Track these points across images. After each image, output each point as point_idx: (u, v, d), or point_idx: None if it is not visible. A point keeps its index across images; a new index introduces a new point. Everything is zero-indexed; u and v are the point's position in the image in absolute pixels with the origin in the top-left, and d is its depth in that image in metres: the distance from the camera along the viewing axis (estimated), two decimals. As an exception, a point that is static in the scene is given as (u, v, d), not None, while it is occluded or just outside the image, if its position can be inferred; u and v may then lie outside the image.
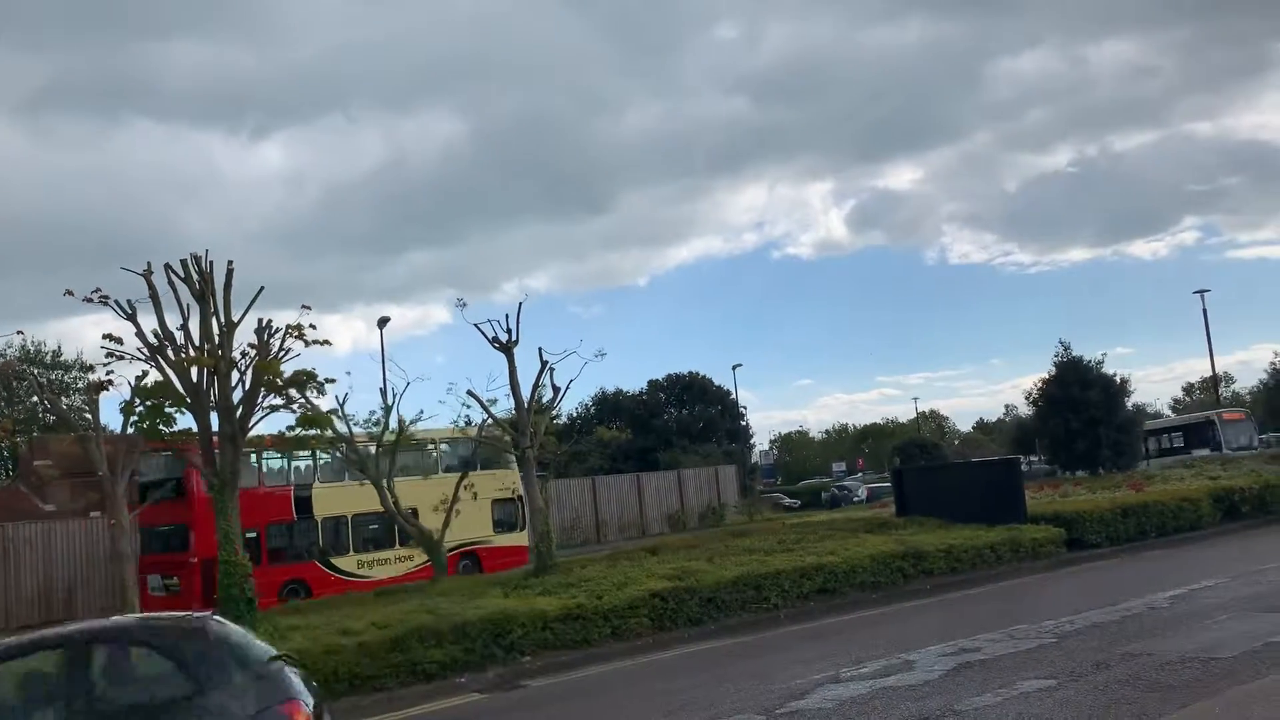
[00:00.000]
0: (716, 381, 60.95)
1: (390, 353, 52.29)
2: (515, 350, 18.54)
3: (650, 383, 60.91)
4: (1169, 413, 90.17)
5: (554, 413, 23.24)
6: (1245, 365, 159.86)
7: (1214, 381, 59.71)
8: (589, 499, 39.82)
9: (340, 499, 23.02)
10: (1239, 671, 8.62)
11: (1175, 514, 20.65)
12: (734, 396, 60.40)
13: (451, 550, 21.46)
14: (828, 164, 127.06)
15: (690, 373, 60.93)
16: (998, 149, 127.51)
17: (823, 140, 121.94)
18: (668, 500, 41.98)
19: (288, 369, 13.34)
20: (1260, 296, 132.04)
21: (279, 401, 13.51)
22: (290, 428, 13.88)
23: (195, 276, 12.87)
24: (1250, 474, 24.38)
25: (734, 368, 62.79)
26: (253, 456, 19.47)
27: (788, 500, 53.31)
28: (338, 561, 23.20)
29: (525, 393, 18.98)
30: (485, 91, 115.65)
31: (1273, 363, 58.18)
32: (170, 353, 12.77)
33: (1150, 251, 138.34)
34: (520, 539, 26.44)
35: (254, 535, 20.80)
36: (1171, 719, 7.28)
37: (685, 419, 58.79)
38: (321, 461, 23.51)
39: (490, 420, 20.94)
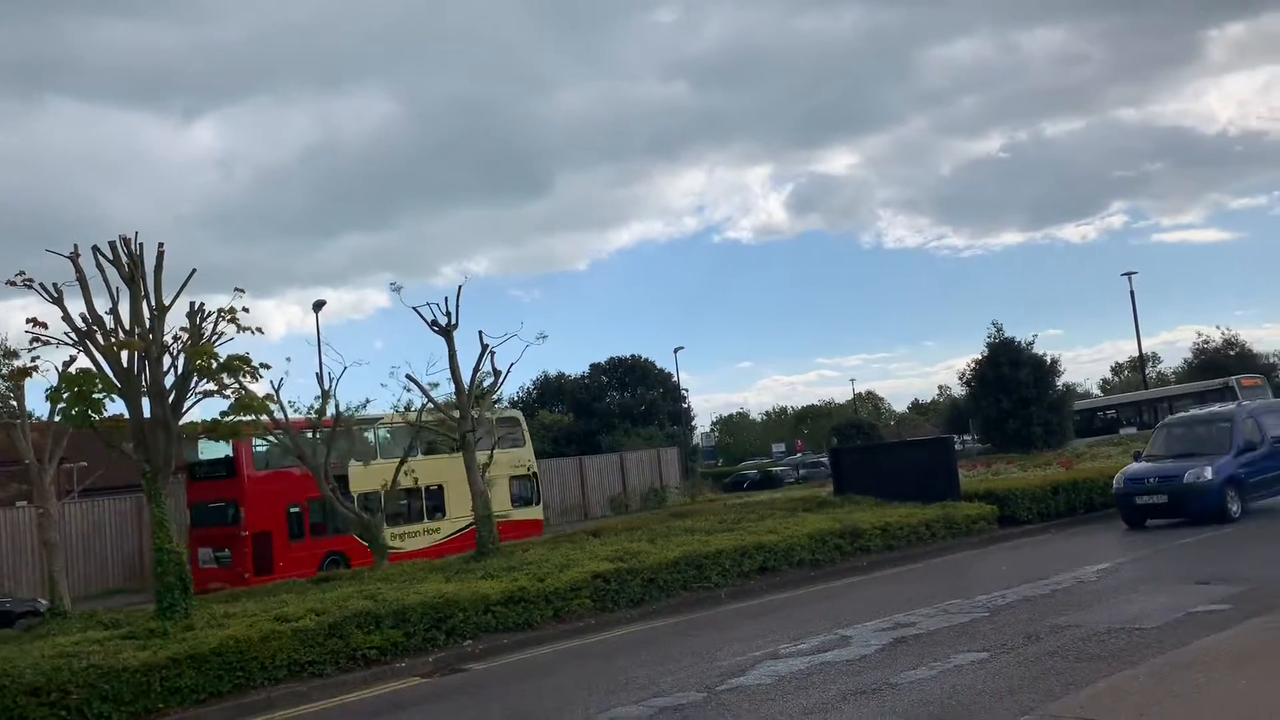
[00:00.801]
0: (658, 364, 61.28)
1: (327, 337, 51.56)
2: (455, 334, 18.40)
3: (592, 366, 60.99)
4: (1098, 392, 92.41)
5: (495, 396, 23.14)
6: (1170, 346, 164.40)
7: (1140, 362, 61.31)
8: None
9: (373, 476, 23.56)
10: (1162, 641, 8.91)
11: (1104, 490, 21.20)
12: (675, 379, 60.76)
13: (468, 525, 22.11)
14: (766, 148, 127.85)
15: (632, 356, 61.12)
16: (931, 135, 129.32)
17: (761, 125, 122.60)
18: (610, 483, 42.07)
19: (221, 353, 13.09)
20: (1183, 279, 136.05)
21: (212, 387, 13.24)
22: (224, 413, 13.63)
23: (124, 259, 12.55)
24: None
25: (675, 351, 63.43)
26: (291, 441, 20.10)
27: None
28: (382, 533, 22.70)
29: (466, 376, 18.87)
30: (420, 72, 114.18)
31: (1196, 343, 59.87)
32: (99, 337, 12.44)
33: (1080, 235, 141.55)
34: (535, 513, 28.84)
35: (297, 510, 23.25)
36: (1097, 687, 7.51)
37: (627, 402, 58.90)
38: (357, 440, 24.13)
39: (430, 404, 20.82)
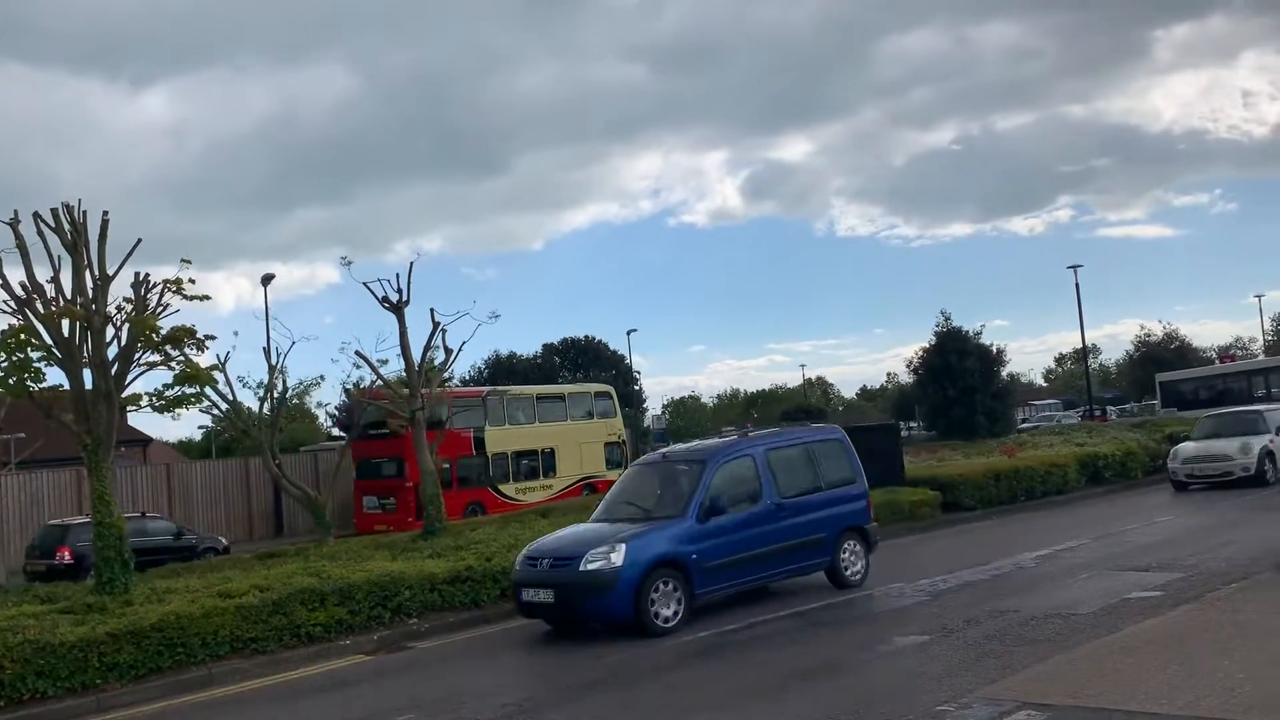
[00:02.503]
0: (611, 346, 61.29)
1: (277, 312, 50.87)
2: (406, 311, 18.28)
3: (545, 346, 60.84)
4: (1042, 382, 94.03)
5: (446, 375, 23.04)
6: (1112, 338, 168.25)
7: (1084, 353, 62.49)
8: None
9: (504, 439, 29.16)
10: (1098, 626, 9.13)
11: (1044, 478, 21.65)
12: (628, 361, 60.87)
13: (576, 481, 29.64)
14: (723, 134, 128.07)
15: (586, 337, 61.10)
16: (885, 125, 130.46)
17: (718, 110, 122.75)
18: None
19: (166, 325, 12.84)
20: (1127, 274, 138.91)
21: (156, 358, 12.99)
22: (168, 385, 13.40)
23: (67, 227, 12.25)
24: (1113, 441, 25.69)
25: (628, 333, 63.45)
26: (442, 406, 23.72)
27: None
28: (503, 488, 28.78)
29: (416, 354, 18.76)
30: (379, 46, 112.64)
31: (1138, 337, 61.14)
32: (39, 306, 12.16)
33: (1028, 228, 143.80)
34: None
35: (447, 466, 25.90)
36: (1034, 670, 7.68)
37: (578, 383, 58.82)
38: (491, 411, 29.71)
39: (380, 381, 20.66)
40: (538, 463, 30.24)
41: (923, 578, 12.80)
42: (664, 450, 14.26)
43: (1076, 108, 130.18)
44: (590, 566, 10.56)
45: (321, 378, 36.15)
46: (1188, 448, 21.52)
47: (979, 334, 42.70)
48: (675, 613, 10.59)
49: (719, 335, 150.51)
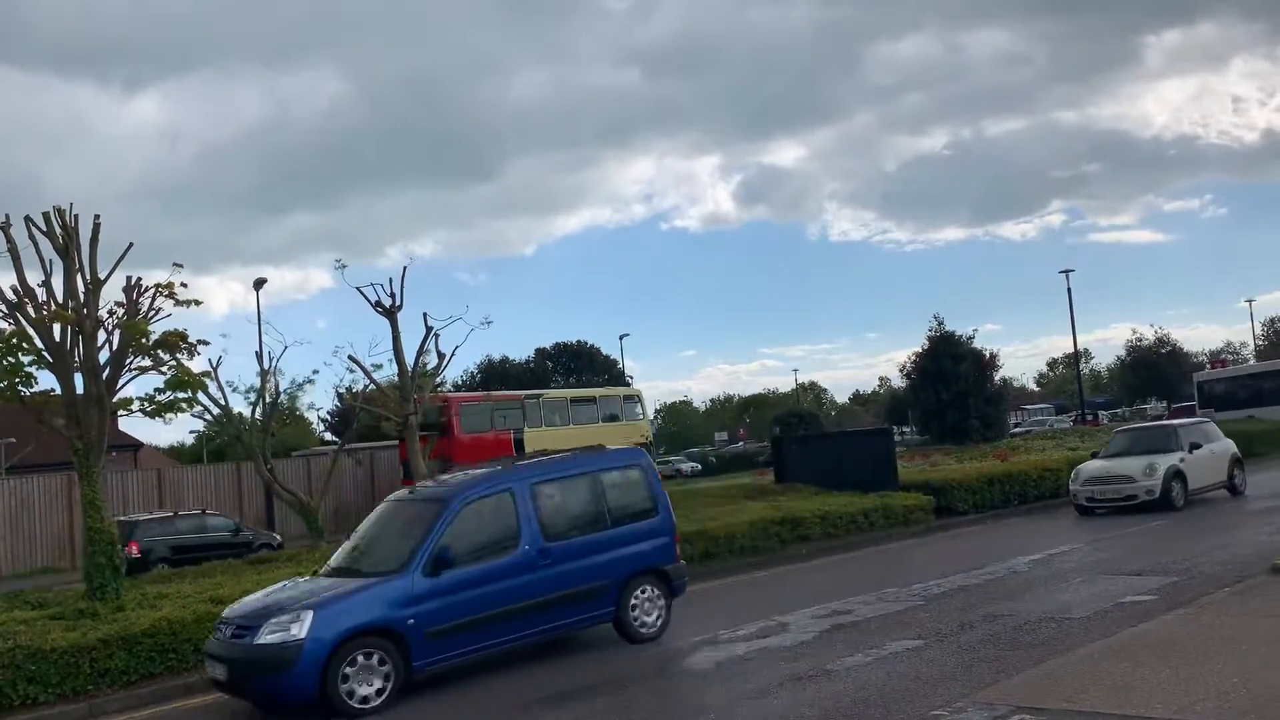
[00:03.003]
0: (604, 350, 61.25)
1: (269, 316, 50.78)
2: (399, 315, 18.26)
3: (538, 351, 60.88)
4: (1034, 387, 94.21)
5: (439, 379, 23.02)
6: (1103, 343, 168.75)
7: (1075, 358, 62.64)
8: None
9: (541, 440, 28.87)
10: (1091, 630, 9.13)
11: (1037, 483, 21.66)
12: (621, 366, 60.77)
13: None
14: (715, 139, 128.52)
15: (578, 341, 61.09)
16: (878, 130, 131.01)
17: (711, 115, 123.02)
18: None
19: (158, 329, 12.78)
20: (1118, 278, 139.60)
21: (147, 363, 12.93)
22: (159, 389, 13.34)
23: (59, 230, 12.19)
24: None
25: (621, 337, 63.19)
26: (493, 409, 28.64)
27: (686, 466, 53.96)
28: None
29: (409, 359, 18.72)
30: (370, 51, 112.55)
31: (1130, 341, 61.28)
32: (30, 310, 12.10)
33: (1020, 233, 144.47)
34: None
35: None
36: (1027, 675, 7.67)
37: (573, 388, 58.79)
38: (530, 413, 32.14)
39: (372, 386, 20.61)
40: None
41: (916, 582, 12.79)
42: (415, 484, 12.17)
43: (1067, 113, 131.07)
44: (266, 639, 8.64)
45: (315, 372, 36.63)
46: (1090, 467, 19.25)
47: (972, 338, 42.76)
48: (380, 690, 8.72)
49: (711, 340, 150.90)
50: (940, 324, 42.84)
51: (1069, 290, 49.20)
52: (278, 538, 24.78)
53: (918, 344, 42.12)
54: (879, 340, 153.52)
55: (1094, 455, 20.06)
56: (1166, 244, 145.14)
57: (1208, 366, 57.58)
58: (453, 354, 20.01)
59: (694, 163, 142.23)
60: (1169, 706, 6.33)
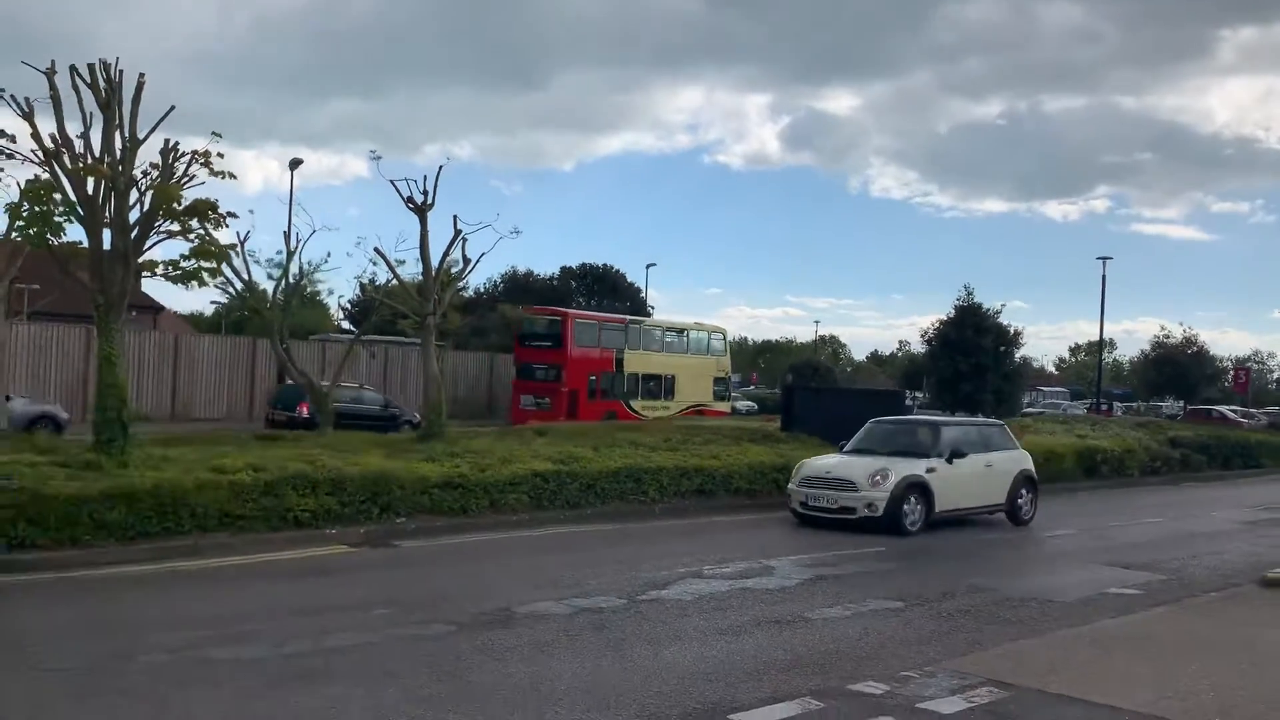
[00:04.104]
0: (629, 277, 60.95)
1: (301, 198, 50.83)
2: (430, 214, 18.17)
3: (563, 269, 60.54)
4: (1053, 370, 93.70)
5: (462, 284, 23.04)
6: (1129, 335, 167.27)
7: (1100, 346, 62.10)
8: (485, 375, 39.75)
9: (638, 362, 34.78)
10: (1072, 615, 9.20)
11: (1041, 464, 21.54)
12: (644, 295, 60.53)
13: (688, 406, 34.51)
14: (769, 77, 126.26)
15: (604, 265, 60.74)
16: (934, 90, 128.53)
17: (768, 53, 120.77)
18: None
19: (189, 196, 12.79)
20: (1154, 272, 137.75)
21: (176, 228, 12.97)
22: (185, 256, 13.39)
23: (102, 84, 12.15)
24: (1115, 437, 25.64)
25: (648, 266, 63.25)
26: (601, 328, 34.08)
27: (743, 405, 51.42)
28: (633, 403, 33.94)
29: (435, 259, 18.70)
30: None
31: (1157, 337, 60.64)
32: (66, 160, 12.11)
33: (1062, 213, 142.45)
34: (725, 405, 37.83)
35: (593, 379, 33.38)
36: (1003, 650, 7.75)
37: (593, 310, 58.75)
38: (631, 336, 35.32)
39: (395, 281, 20.65)
40: (659, 386, 35.41)
41: (905, 545, 12.88)
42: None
43: (1128, 98, 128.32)
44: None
45: (329, 255, 37.31)
46: (815, 464, 15.00)
47: (998, 313, 42.39)
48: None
49: (738, 281, 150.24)
50: (970, 294, 42.52)
51: (1104, 277, 48.53)
52: (416, 415, 26.56)
53: (942, 311, 41.96)
54: (904, 303, 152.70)
55: (840, 447, 15.80)
56: (1208, 243, 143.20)
57: (1231, 374, 57.08)
58: (479, 259, 20.04)
59: (744, 99, 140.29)
60: (1135, 699, 6.40)
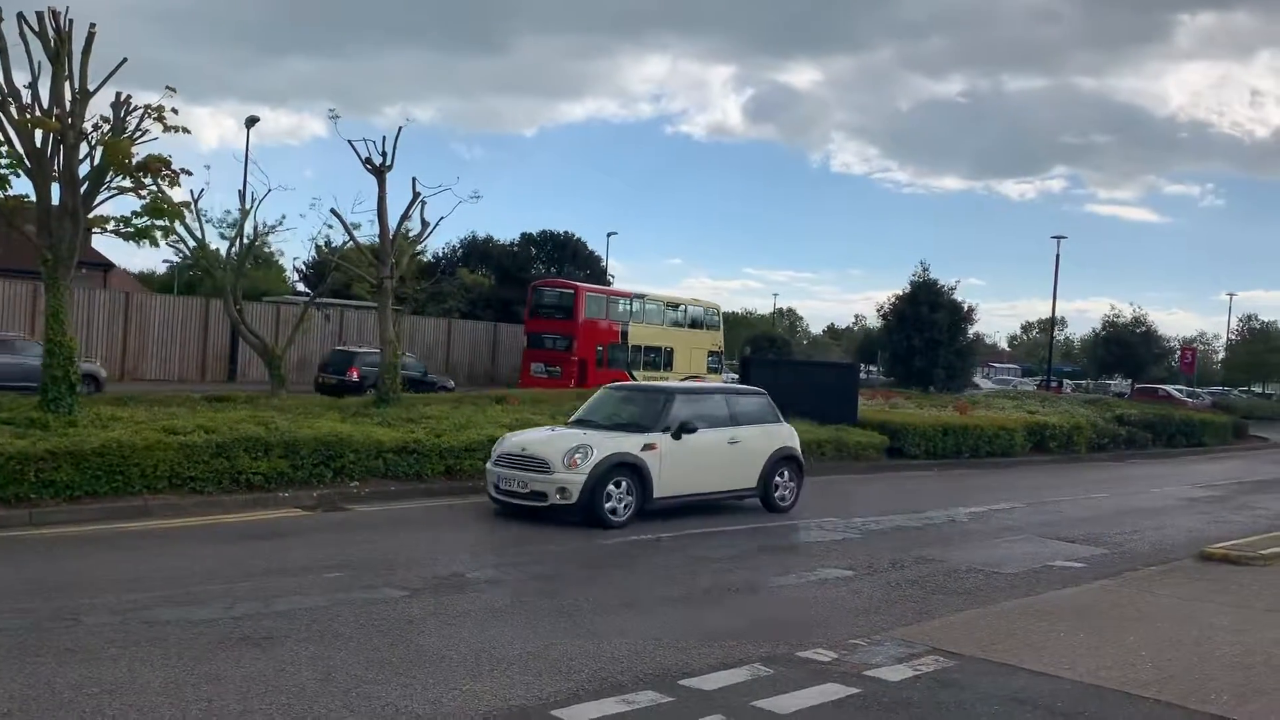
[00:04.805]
0: (590, 246, 60.68)
1: (258, 157, 49.87)
2: (388, 175, 17.98)
3: (523, 235, 60.03)
4: (1005, 346, 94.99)
5: (420, 247, 22.83)
6: (1081, 314, 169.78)
7: (1051, 324, 63.06)
8: (443, 340, 39.54)
9: (641, 334, 36.14)
10: (1016, 587, 9.39)
11: (991, 439, 22.01)
12: (605, 264, 60.35)
13: (685, 378, 33.96)
14: (733, 49, 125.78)
15: (565, 232, 60.29)
16: (896, 67, 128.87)
17: (732, 23, 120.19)
18: (518, 353, 42.05)
19: (142, 151, 12.53)
20: (1106, 252, 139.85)
21: (127, 184, 12.70)
22: (137, 213, 13.13)
23: (51, 33, 11.84)
24: (1064, 413, 26.12)
25: (608, 235, 62.99)
26: (609, 301, 35.89)
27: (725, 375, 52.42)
28: (636, 373, 33.24)
29: (393, 222, 18.51)
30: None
31: (1107, 316, 61.65)
32: (14, 110, 11.80)
33: (1019, 192, 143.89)
34: (718, 378, 37.04)
35: (601, 349, 34.92)
36: (949, 619, 7.90)
37: (553, 277, 58.46)
38: (634, 309, 36.79)
39: (351, 243, 20.42)
40: (659, 357, 36.74)
41: (857, 516, 13.07)
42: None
43: (1087, 80, 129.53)
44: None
45: (283, 217, 35.49)
46: (513, 439, 12.27)
47: (953, 289, 42.82)
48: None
49: (698, 252, 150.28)
50: (925, 270, 42.93)
51: (1057, 256, 49.77)
52: (451, 383, 29.39)
53: (899, 286, 42.41)
54: (861, 278, 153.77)
55: (568, 419, 13.67)
56: (1160, 225, 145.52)
57: (1178, 354, 58.21)
58: (437, 223, 19.86)
59: (708, 69, 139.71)
60: (1077, 669, 6.55)
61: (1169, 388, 51.72)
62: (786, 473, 13.23)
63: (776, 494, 13.10)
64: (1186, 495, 18.14)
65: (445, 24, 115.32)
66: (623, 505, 11.30)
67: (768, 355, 46.94)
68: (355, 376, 25.38)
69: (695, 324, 39.49)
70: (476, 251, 57.86)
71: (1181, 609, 8.51)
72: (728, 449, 12.57)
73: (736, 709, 5.54)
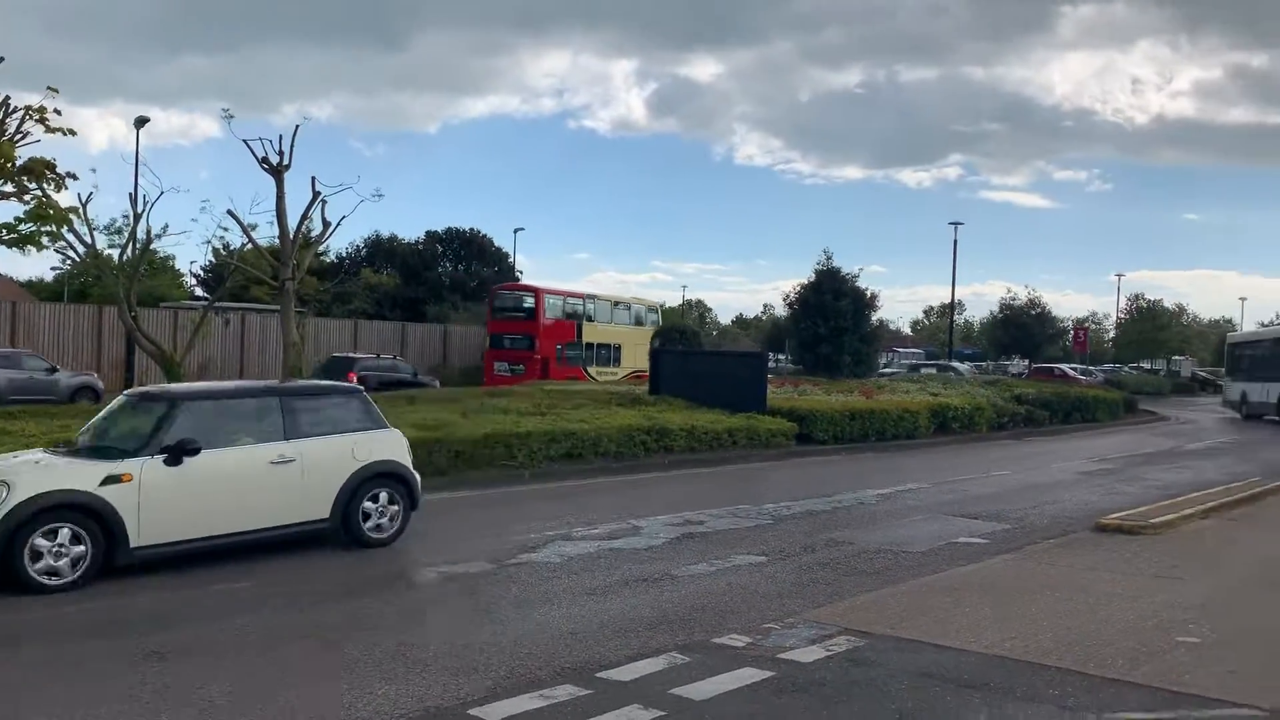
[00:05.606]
0: (496, 242, 60.29)
1: (149, 159, 48.28)
2: (286, 175, 17.59)
3: (428, 233, 59.41)
4: (909, 331, 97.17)
5: (322, 248, 22.40)
6: (979, 297, 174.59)
7: (951, 308, 64.77)
8: (349, 341, 38.84)
9: (594, 333, 38.77)
10: (924, 564, 9.65)
11: (896, 422, 22.52)
12: (512, 260, 60.04)
13: (631, 372, 37.34)
14: (635, 43, 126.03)
15: (471, 229, 59.85)
16: (795, 59, 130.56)
17: (633, 17, 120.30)
18: (432, 353, 41.61)
19: (24, 155, 12.05)
20: (1001, 236, 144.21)
21: (9, 189, 12.20)
22: (20, 219, 12.61)
23: (-82, 32, 11.31)
24: (965, 395, 26.86)
25: (515, 231, 62.85)
26: (565, 302, 38.40)
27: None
28: (590, 369, 37.46)
29: (292, 222, 18.14)
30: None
31: (1004, 299, 63.49)
32: (-120, 114, 11.24)
33: (916, 181, 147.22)
34: None
35: (560, 347, 37.06)
36: (859, 600, 8.08)
37: (459, 275, 57.91)
38: (588, 309, 39.16)
39: (250, 245, 19.94)
40: (610, 354, 39.28)
41: (769, 502, 13.25)
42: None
43: (977, 70, 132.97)
44: None
45: (165, 226, 34.55)
46: None
47: (856, 277, 43.49)
48: None
49: (606, 246, 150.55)
50: (829, 259, 43.52)
51: (955, 242, 50.83)
52: (438, 383, 30.41)
53: (805, 275, 42.74)
54: (768, 268, 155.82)
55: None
56: (1051, 210, 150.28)
57: (1071, 333, 60.25)
58: (339, 223, 19.48)
59: (610, 64, 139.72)
60: (982, 641, 6.77)
61: (1064, 366, 53.53)
62: (384, 494, 10.01)
63: (368, 523, 9.86)
64: (1082, 469, 18.82)
65: (344, 20, 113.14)
66: (66, 562, 7.95)
67: (677, 347, 47.18)
68: (355, 381, 25.69)
69: (639, 321, 42.09)
70: (381, 251, 57.05)
71: (1079, 579, 8.85)
72: (270, 471, 9.23)
73: (654, 698, 5.59)
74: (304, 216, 18.34)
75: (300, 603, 7.76)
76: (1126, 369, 61.93)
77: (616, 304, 42.31)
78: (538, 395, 21.25)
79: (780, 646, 6.62)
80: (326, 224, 19.00)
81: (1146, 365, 68.02)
